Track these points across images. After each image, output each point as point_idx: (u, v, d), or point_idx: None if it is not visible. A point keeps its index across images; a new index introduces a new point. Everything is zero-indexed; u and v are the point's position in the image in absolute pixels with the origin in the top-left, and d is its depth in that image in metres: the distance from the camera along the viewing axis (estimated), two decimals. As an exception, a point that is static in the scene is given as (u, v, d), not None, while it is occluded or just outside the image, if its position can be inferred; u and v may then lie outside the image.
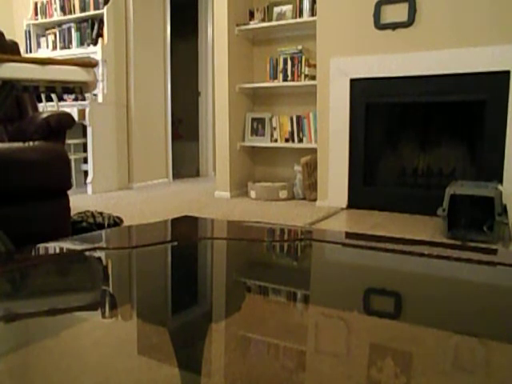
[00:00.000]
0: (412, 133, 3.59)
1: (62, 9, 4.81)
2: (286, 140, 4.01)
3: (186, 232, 1.06)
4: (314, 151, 3.80)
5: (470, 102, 3.15)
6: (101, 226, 2.46)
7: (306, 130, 3.91)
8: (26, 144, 1.98)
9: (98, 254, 0.86)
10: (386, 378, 0.41)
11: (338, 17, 3.39)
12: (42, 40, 5.00)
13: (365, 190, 3.46)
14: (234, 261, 0.86)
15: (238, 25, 3.99)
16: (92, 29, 4.64)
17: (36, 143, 2.02)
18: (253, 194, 3.98)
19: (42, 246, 0.89)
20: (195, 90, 5.90)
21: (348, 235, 1.08)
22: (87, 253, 0.85)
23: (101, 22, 4.57)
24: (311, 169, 3.74)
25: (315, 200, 3.70)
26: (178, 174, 5.81)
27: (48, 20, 4.90)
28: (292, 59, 3.87)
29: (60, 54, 4.81)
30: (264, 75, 4.17)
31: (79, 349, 0.48)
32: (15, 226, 1.90)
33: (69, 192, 2.09)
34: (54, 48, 4.90)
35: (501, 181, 2.90)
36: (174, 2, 5.28)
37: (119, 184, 4.66)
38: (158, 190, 4.55)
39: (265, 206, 3.62)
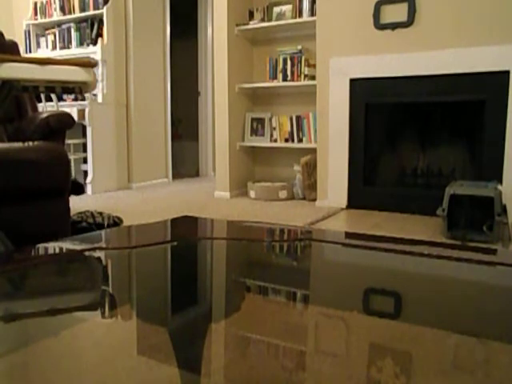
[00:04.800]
0: (412, 133, 3.59)
1: (62, 9, 4.81)
2: (286, 140, 4.01)
3: (185, 232, 1.06)
4: (313, 151, 3.80)
5: (470, 102, 3.15)
6: (100, 226, 2.46)
7: (305, 130, 3.91)
8: (26, 144, 1.98)
9: (97, 254, 0.86)
10: (385, 377, 0.41)
11: (338, 17, 3.39)
12: (42, 40, 5.00)
13: (365, 190, 3.46)
14: (234, 261, 0.86)
15: (237, 25, 3.99)
16: (92, 29, 4.64)
17: (36, 143, 2.02)
18: (252, 193, 3.98)
19: (41, 246, 0.89)
20: (195, 90, 5.90)
21: (348, 235, 1.08)
22: (87, 253, 0.85)
23: (100, 21, 4.56)
24: (311, 169, 3.74)
25: (315, 200, 3.70)
26: (178, 174, 5.81)
27: (47, 20, 4.90)
28: (292, 59, 3.87)
29: (60, 53, 4.80)
30: (264, 75, 4.17)
31: (79, 349, 0.48)
32: (15, 225, 1.90)
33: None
34: (54, 48, 4.90)
35: (501, 181, 2.90)
36: (173, 2, 5.28)
37: (119, 184, 4.66)
38: (157, 190, 4.55)
39: (264, 206, 3.62)
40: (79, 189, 2.08)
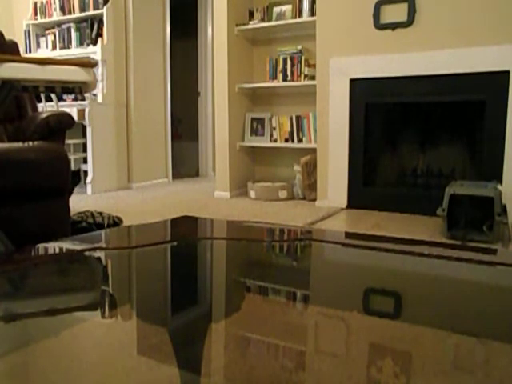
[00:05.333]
0: (412, 133, 3.59)
1: (62, 9, 4.81)
2: (286, 140, 4.01)
3: (185, 232, 1.06)
4: (313, 151, 3.80)
5: (470, 102, 3.15)
6: (100, 226, 2.46)
7: (305, 130, 3.91)
8: (26, 144, 1.98)
9: (97, 254, 0.86)
10: (386, 377, 0.41)
11: (338, 17, 3.39)
12: (42, 40, 5.00)
13: (365, 190, 3.46)
14: (234, 261, 0.86)
15: (237, 25, 3.99)
16: (91, 29, 4.64)
17: (36, 143, 2.02)
18: (252, 194, 3.98)
19: (41, 246, 0.89)
20: (195, 90, 5.90)
21: (348, 235, 1.08)
22: (87, 253, 0.85)
23: (100, 21, 4.56)
24: (311, 169, 3.74)
25: (315, 200, 3.70)
26: (178, 174, 5.81)
27: (47, 20, 4.90)
28: (291, 59, 3.87)
29: (59, 54, 4.80)
30: (263, 75, 4.17)
31: (79, 349, 0.48)
32: (15, 225, 1.90)
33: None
34: (54, 48, 4.90)
35: (501, 181, 2.90)
36: (173, 2, 5.28)
37: (119, 184, 4.66)
38: (157, 190, 4.55)
39: (264, 206, 3.62)
40: (76, 178, 2.08)
